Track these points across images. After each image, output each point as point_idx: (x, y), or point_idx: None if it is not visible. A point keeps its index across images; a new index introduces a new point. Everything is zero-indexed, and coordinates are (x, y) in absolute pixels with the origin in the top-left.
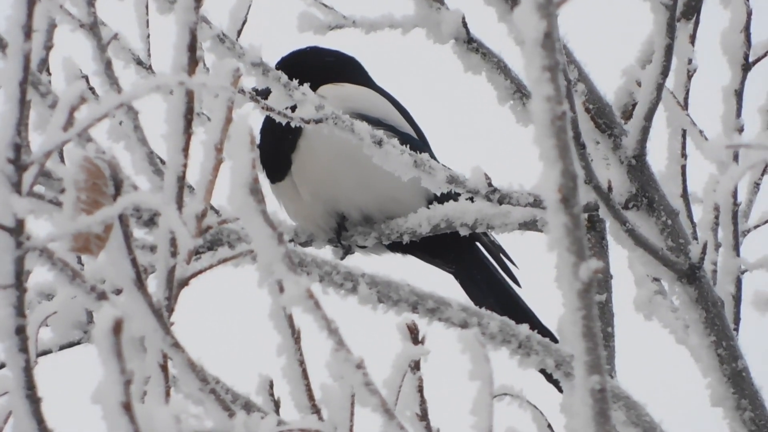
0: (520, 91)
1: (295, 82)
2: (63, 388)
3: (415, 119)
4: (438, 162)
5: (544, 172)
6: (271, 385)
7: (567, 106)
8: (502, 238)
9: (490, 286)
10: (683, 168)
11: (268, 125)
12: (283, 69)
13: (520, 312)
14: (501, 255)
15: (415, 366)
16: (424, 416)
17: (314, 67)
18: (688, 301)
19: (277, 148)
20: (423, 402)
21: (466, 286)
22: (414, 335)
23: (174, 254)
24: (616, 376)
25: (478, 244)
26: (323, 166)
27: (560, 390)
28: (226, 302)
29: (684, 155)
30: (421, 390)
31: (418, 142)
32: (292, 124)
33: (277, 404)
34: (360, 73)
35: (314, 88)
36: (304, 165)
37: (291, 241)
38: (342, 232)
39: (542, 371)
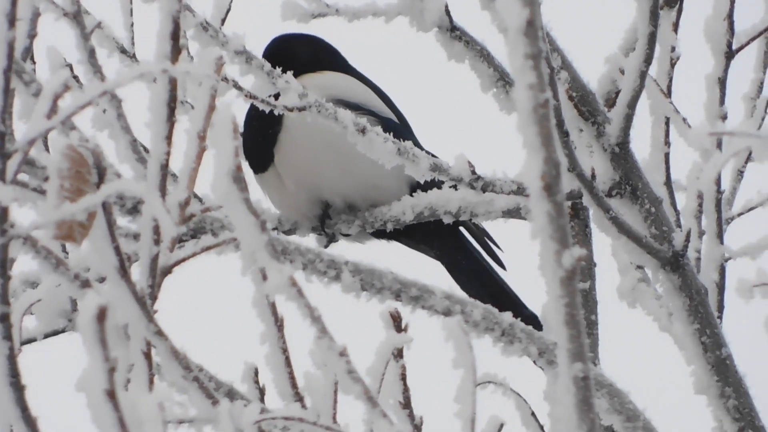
0: (503, 79)
1: (278, 70)
2: (48, 376)
3: (396, 104)
4: (422, 147)
5: (527, 159)
6: (256, 373)
7: (550, 94)
8: (486, 226)
9: (475, 272)
10: (667, 156)
11: (251, 117)
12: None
13: (505, 297)
14: (486, 239)
15: (399, 354)
16: (407, 404)
17: (292, 56)
18: (672, 288)
19: (259, 141)
20: (406, 390)
21: (452, 271)
22: (397, 323)
23: (157, 242)
24: (600, 363)
25: (462, 229)
26: (306, 157)
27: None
28: (210, 290)
29: (667, 143)
30: (404, 378)
31: (399, 127)
32: (276, 112)
33: (262, 392)
34: (337, 59)
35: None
36: (286, 157)
37: (275, 229)
38: (326, 220)
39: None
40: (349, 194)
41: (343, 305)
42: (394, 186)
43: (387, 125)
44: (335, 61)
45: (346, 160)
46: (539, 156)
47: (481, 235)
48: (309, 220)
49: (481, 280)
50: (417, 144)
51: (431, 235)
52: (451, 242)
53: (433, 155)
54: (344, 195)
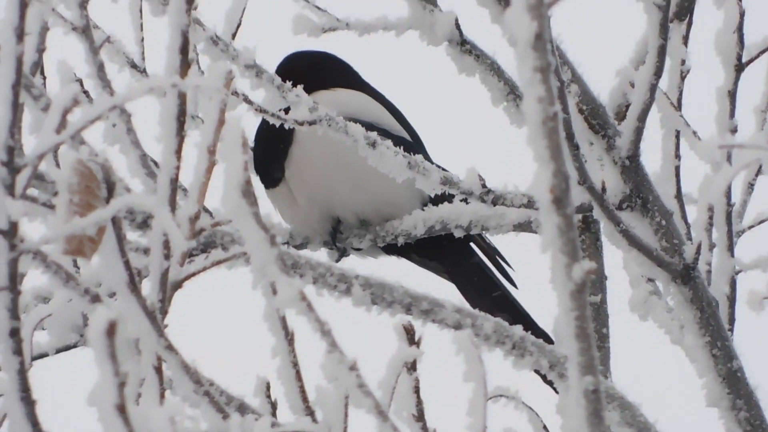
0: (513, 93)
1: (289, 84)
2: (60, 391)
3: (409, 121)
4: (432, 163)
5: (537, 173)
6: (268, 387)
7: (559, 107)
8: (497, 240)
9: (486, 288)
10: (677, 169)
11: (262, 131)
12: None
13: (515, 314)
14: (497, 257)
15: (412, 367)
16: (420, 417)
17: (305, 73)
18: (683, 301)
19: (270, 156)
20: (419, 403)
21: (462, 288)
22: (410, 336)
23: (167, 256)
24: (611, 376)
25: (473, 245)
26: (317, 173)
27: (556, 391)
28: (220, 304)
29: (678, 156)
30: (417, 391)
31: (412, 144)
32: (286, 126)
33: (274, 406)
34: (351, 75)
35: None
36: (297, 172)
37: (286, 243)
38: (337, 235)
39: (537, 372)
40: (362, 210)
41: (354, 319)
42: (406, 201)
43: (399, 143)
44: (348, 77)
45: (358, 176)
46: (549, 169)
47: (493, 253)
48: (320, 235)
49: (493, 298)
50: (428, 160)
51: (443, 251)
52: (462, 258)
53: (444, 169)
54: (356, 211)
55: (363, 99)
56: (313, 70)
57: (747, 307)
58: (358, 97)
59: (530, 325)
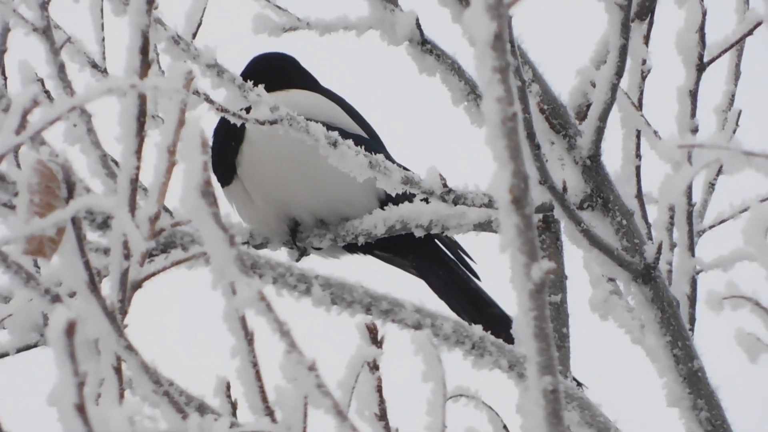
0: (474, 93)
1: (250, 83)
2: (21, 390)
3: (366, 119)
4: (394, 161)
5: (497, 173)
6: (228, 387)
7: (518, 107)
8: (458, 239)
9: (452, 280)
10: (638, 168)
11: (218, 128)
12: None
13: (483, 303)
14: (459, 251)
15: (374, 366)
16: (383, 416)
17: (261, 75)
18: (644, 301)
19: (223, 152)
20: (382, 402)
21: (429, 281)
22: (373, 335)
23: (127, 257)
24: (571, 376)
25: (436, 241)
26: (271, 172)
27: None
28: (180, 304)
29: (638, 156)
30: (380, 390)
31: (369, 142)
32: (247, 126)
33: (233, 406)
34: (302, 75)
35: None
36: (250, 171)
37: (246, 243)
38: (297, 234)
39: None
40: (318, 210)
41: (317, 319)
42: (363, 200)
43: (356, 141)
44: (303, 79)
45: (311, 176)
46: (508, 169)
47: (454, 247)
48: (280, 235)
49: (459, 288)
50: (389, 158)
51: (405, 247)
52: (426, 253)
53: (405, 168)
54: (312, 211)
55: (316, 98)
56: (268, 72)
57: (706, 307)
58: (312, 97)
59: (498, 313)
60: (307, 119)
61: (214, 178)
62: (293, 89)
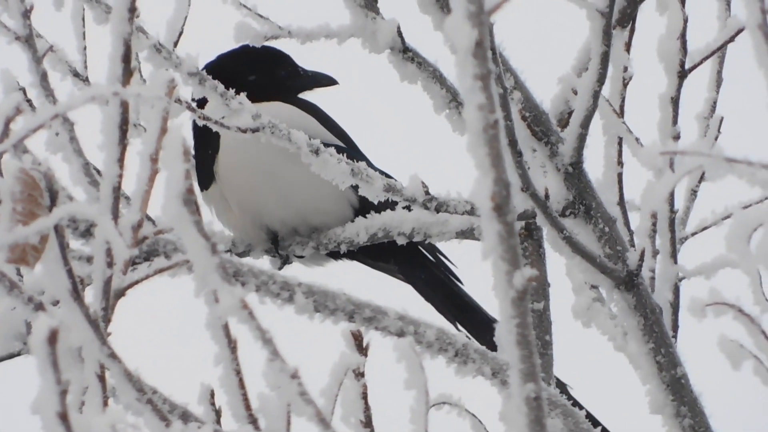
0: (455, 100)
1: (232, 91)
2: (4, 399)
3: (342, 128)
4: (375, 168)
5: (478, 180)
6: (212, 395)
7: (500, 115)
8: (440, 246)
9: (436, 284)
10: (620, 175)
11: (198, 134)
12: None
13: (467, 306)
14: (438, 255)
15: (359, 373)
16: (368, 423)
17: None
18: (627, 308)
19: (203, 158)
20: (367, 409)
21: (416, 286)
22: (358, 343)
23: (110, 265)
24: (555, 378)
25: (419, 247)
26: (244, 182)
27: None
28: (164, 312)
29: (620, 163)
30: (365, 397)
31: (347, 150)
32: (222, 134)
33: (217, 414)
34: (279, 81)
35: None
36: (226, 178)
37: (228, 251)
38: (279, 243)
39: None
40: (290, 219)
41: (299, 327)
42: (335, 209)
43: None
44: (276, 81)
45: (281, 187)
46: (489, 177)
47: (434, 251)
48: (260, 242)
49: (444, 292)
50: (370, 166)
51: (389, 254)
52: (410, 259)
53: (387, 175)
54: (284, 221)
55: (290, 111)
56: (238, 77)
57: (689, 314)
58: (284, 110)
59: (483, 316)
60: None
61: (196, 186)
62: (270, 102)
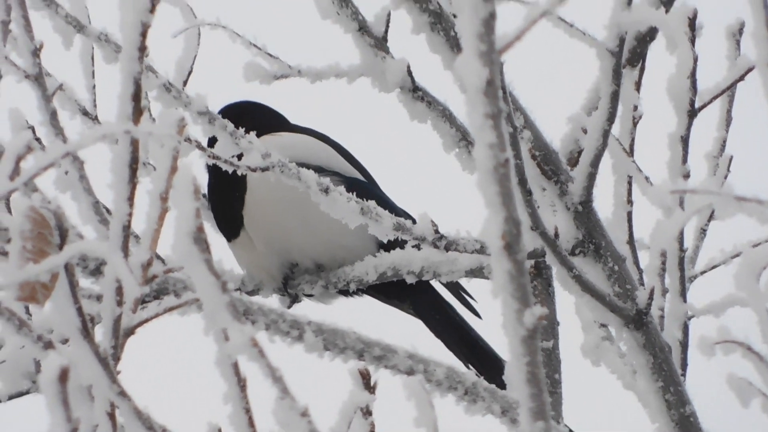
0: (465, 139)
1: (242, 130)
2: None
3: (357, 159)
4: (391, 203)
5: (488, 219)
6: None
7: (510, 153)
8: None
9: (450, 325)
10: (629, 214)
11: (214, 185)
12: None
13: (480, 349)
14: (459, 291)
15: (367, 411)
16: None
17: (247, 121)
18: (636, 346)
19: (228, 206)
20: None
21: (428, 323)
22: (366, 381)
23: (120, 303)
24: (564, 422)
25: (431, 283)
26: (271, 218)
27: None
28: (173, 351)
29: (630, 201)
30: None
31: (366, 185)
32: (239, 173)
33: None
34: (283, 120)
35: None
36: (253, 218)
37: (237, 290)
38: (289, 281)
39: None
40: (318, 254)
41: (308, 365)
42: (360, 245)
43: (352, 185)
44: (282, 122)
45: (311, 220)
46: (500, 215)
47: (455, 287)
48: (273, 281)
49: (457, 332)
50: (385, 200)
51: (402, 291)
52: (423, 296)
53: (407, 213)
54: (312, 255)
55: (310, 142)
56: (244, 121)
57: (698, 352)
58: (305, 140)
59: (493, 358)
60: (301, 164)
61: (214, 229)
62: (284, 132)
